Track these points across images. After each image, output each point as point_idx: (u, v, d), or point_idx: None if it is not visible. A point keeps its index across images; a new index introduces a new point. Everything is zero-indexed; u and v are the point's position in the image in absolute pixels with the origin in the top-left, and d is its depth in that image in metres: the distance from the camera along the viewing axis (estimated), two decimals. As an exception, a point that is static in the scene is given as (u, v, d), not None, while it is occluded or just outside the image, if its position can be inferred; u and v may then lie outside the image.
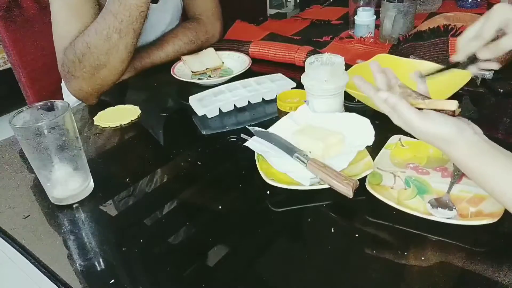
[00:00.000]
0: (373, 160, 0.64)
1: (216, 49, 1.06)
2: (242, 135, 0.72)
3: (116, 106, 0.90)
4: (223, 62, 1.05)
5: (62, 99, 1.13)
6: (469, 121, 0.51)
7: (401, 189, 0.58)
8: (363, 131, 0.66)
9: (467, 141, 0.48)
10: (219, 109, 0.84)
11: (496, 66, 0.59)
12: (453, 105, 0.50)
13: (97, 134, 0.83)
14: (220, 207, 0.61)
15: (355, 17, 1.13)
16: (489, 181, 0.48)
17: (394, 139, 0.68)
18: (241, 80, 0.92)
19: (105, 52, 0.88)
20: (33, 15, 1.13)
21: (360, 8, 1.13)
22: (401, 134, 0.65)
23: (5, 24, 1.07)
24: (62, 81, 0.98)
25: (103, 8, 0.91)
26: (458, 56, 0.59)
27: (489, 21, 0.55)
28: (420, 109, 0.51)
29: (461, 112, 0.52)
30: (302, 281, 0.49)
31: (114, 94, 0.97)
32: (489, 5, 1.27)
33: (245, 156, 0.68)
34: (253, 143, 0.69)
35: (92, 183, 0.66)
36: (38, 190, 0.66)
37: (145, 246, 0.56)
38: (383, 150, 0.66)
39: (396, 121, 0.54)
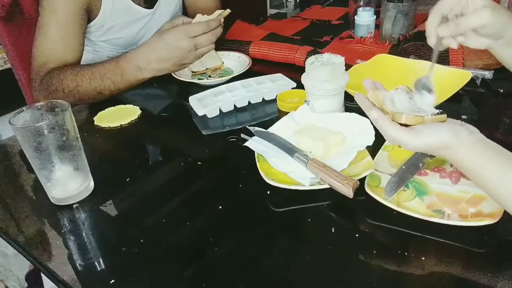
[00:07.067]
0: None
1: (216, 49, 1.06)
2: (242, 135, 0.72)
3: (116, 106, 0.90)
4: (223, 62, 1.05)
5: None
6: (462, 122, 0.52)
7: (400, 191, 0.58)
8: (363, 131, 0.66)
9: (463, 144, 0.48)
10: (219, 109, 0.84)
11: (455, 45, 0.60)
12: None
13: (97, 134, 0.83)
14: (220, 207, 0.61)
15: (355, 17, 1.13)
16: (488, 183, 0.48)
17: None
18: (241, 80, 0.92)
19: (93, 98, 0.90)
20: (33, 15, 1.13)
21: (360, 8, 1.13)
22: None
23: (5, 24, 1.07)
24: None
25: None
26: (431, 40, 0.59)
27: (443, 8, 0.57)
28: (407, 125, 0.51)
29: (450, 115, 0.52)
30: (302, 281, 0.49)
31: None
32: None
33: (245, 156, 0.68)
34: (253, 143, 0.69)
35: (92, 183, 0.66)
36: (38, 190, 0.66)
37: (145, 246, 0.56)
38: (380, 151, 0.66)
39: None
